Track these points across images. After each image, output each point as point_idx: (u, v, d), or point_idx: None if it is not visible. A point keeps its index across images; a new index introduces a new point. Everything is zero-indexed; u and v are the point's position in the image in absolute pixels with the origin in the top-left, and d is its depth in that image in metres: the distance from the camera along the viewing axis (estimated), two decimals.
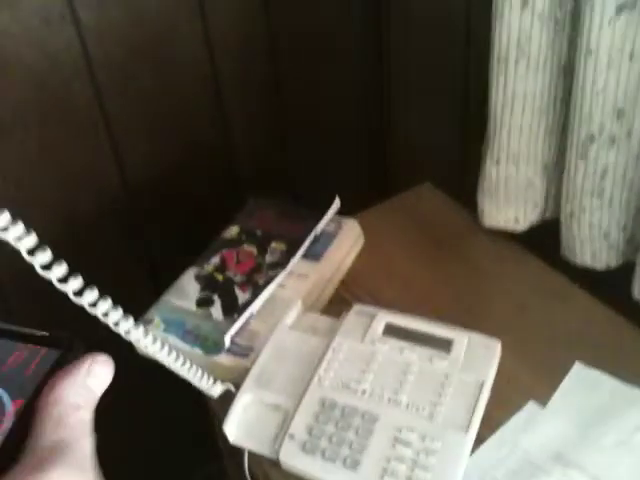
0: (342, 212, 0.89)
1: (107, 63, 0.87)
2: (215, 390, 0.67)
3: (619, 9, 0.63)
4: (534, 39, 0.71)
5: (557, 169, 0.79)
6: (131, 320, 0.53)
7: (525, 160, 0.79)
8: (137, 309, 0.78)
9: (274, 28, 0.98)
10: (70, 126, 0.89)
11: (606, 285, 0.79)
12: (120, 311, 0.52)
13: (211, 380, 0.65)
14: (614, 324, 0.75)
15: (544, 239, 0.84)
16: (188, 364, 0.62)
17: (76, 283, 0.47)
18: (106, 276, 0.98)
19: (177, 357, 0.59)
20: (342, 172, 1.13)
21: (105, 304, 0.50)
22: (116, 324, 0.52)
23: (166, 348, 0.58)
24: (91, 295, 0.49)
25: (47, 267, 0.44)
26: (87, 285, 0.48)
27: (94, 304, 0.49)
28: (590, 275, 0.80)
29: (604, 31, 0.64)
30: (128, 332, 0.53)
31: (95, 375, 0.33)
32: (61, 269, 0.45)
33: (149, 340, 0.55)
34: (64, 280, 0.45)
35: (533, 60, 0.72)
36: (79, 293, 0.48)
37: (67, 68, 0.85)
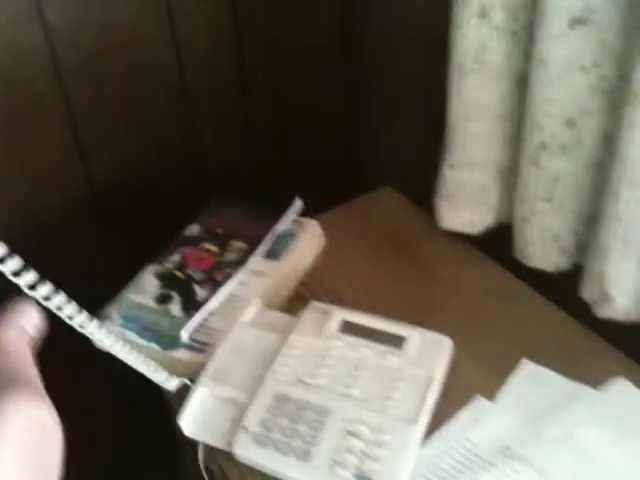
0: (311, 215, 0.91)
1: (74, 64, 0.88)
2: (171, 384, 0.68)
3: (572, 23, 0.65)
4: (491, 50, 0.73)
5: (512, 175, 0.82)
6: (85, 314, 0.54)
7: (480, 165, 0.81)
8: (101, 306, 0.79)
9: (242, 29, 0.99)
10: (36, 126, 0.89)
11: (557, 286, 0.82)
12: (73, 305, 0.53)
13: (165, 374, 0.66)
14: (563, 324, 0.78)
15: (500, 241, 0.87)
16: (142, 357, 0.63)
17: (29, 277, 0.48)
18: (71, 274, 0.99)
19: (130, 350, 0.61)
20: (311, 177, 1.15)
21: (59, 297, 0.51)
22: (70, 318, 0.53)
23: (120, 342, 0.59)
24: (44, 289, 0.50)
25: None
26: (41, 279, 0.49)
27: (47, 298, 0.50)
28: (542, 277, 0.83)
29: (557, 43, 0.67)
30: (82, 326, 0.54)
31: (27, 317, 0.40)
32: (14, 263, 0.46)
33: (103, 334, 0.56)
34: (17, 274, 0.46)
35: (490, 70, 0.74)
36: (33, 287, 0.49)
37: (33, 68, 0.85)
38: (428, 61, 0.95)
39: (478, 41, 0.73)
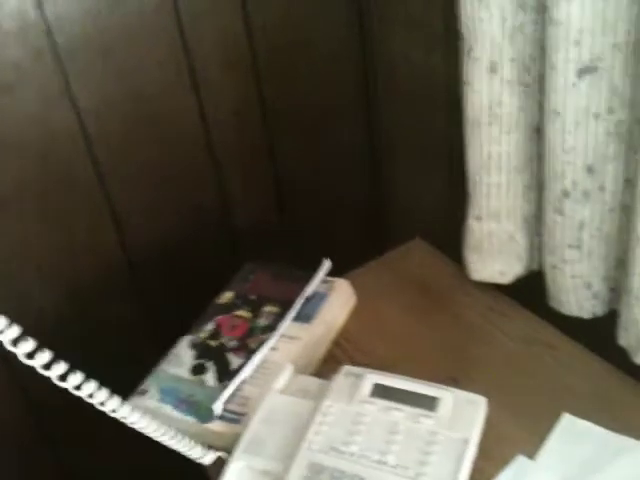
0: (342, 272, 0.92)
1: (105, 138, 0.91)
2: (207, 459, 0.69)
3: (581, 73, 0.65)
4: (504, 103, 0.74)
5: (538, 222, 0.81)
6: (116, 399, 0.55)
7: (505, 216, 0.81)
8: (140, 376, 0.80)
9: (267, 96, 1.02)
10: (69, 199, 0.92)
11: (595, 333, 0.80)
12: (105, 392, 0.54)
13: (201, 450, 0.67)
14: (603, 373, 0.76)
15: (533, 289, 0.86)
16: (177, 435, 0.64)
17: (60, 369, 0.50)
18: (107, 342, 1.01)
19: (166, 430, 0.62)
20: (340, 233, 1.16)
21: (89, 386, 0.53)
22: (102, 404, 0.55)
23: (154, 423, 0.60)
24: (75, 379, 0.51)
25: (30, 355, 0.47)
26: (71, 370, 0.51)
27: (78, 387, 0.51)
28: (578, 324, 0.81)
29: (568, 93, 0.67)
30: (114, 411, 0.56)
31: None
32: (44, 356, 0.48)
33: (135, 417, 0.57)
34: (48, 367, 0.48)
35: (505, 123, 0.75)
36: (64, 377, 0.51)
37: (65, 145, 0.89)
38: (449, 113, 0.96)
39: (490, 96, 0.73)
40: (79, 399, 0.53)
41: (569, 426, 0.71)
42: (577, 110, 0.67)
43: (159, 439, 0.62)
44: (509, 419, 0.72)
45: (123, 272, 1.01)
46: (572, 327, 0.81)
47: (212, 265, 1.05)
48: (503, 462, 0.68)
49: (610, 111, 0.67)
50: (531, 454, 0.69)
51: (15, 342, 0.46)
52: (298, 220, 1.13)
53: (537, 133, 0.75)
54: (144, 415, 0.59)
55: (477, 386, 0.73)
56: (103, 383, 0.79)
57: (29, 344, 0.46)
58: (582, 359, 0.78)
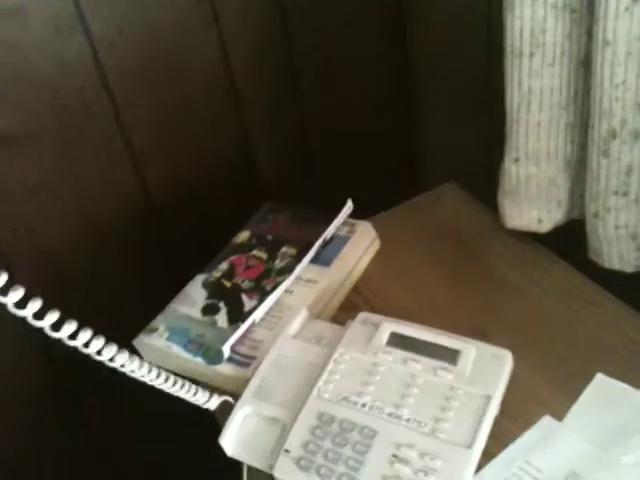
0: (367, 215, 0.87)
1: (121, 72, 0.86)
2: (212, 404, 0.65)
3: None
4: (549, 31, 0.66)
5: (581, 166, 0.74)
6: (114, 347, 0.52)
7: (546, 158, 0.74)
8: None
9: (291, 31, 0.96)
10: (86, 135, 0.88)
11: (636, 289, 0.74)
12: (102, 340, 0.51)
13: (206, 395, 0.64)
14: None
15: (573, 241, 0.79)
16: (179, 382, 0.60)
17: (53, 316, 0.47)
18: (130, 284, 0.98)
19: (166, 379, 0.59)
20: (370, 178, 1.10)
21: (85, 334, 0.50)
22: (99, 352, 0.51)
23: (154, 371, 0.57)
24: (69, 327, 0.48)
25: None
26: (65, 317, 0.48)
27: (73, 336, 0.48)
28: (620, 279, 0.75)
29: (621, 20, 0.59)
30: (112, 359, 0.53)
31: None
32: (35, 305, 0.45)
33: (135, 365, 0.54)
34: (39, 315, 0.45)
35: (549, 53, 0.67)
36: (57, 327, 0.47)
37: (80, 77, 0.84)
38: (488, 51, 0.89)
39: (534, 22, 0.66)
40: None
41: (602, 387, 0.65)
42: (630, 39, 0.60)
43: (161, 387, 0.59)
44: (539, 377, 0.67)
45: (142, 212, 0.97)
46: (613, 282, 0.75)
47: (234, 208, 1.00)
48: (529, 422, 0.63)
49: None
50: (560, 415, 0.64)
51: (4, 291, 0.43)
52: (325, 163, 1.07)
53: (584, 66, 0.68)
54: (142, 364, 0.56)
55: (506, 341, 0.67)
56: (119, 328, 0.77)
57: (19, 293, 0.43)
58: (622, 317, 0.72)
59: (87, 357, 0.51)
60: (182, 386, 0.61)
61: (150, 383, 0.58)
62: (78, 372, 0.88)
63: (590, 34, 0.65)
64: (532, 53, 0.68)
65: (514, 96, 0.71)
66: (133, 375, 0.56)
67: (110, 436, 1.08)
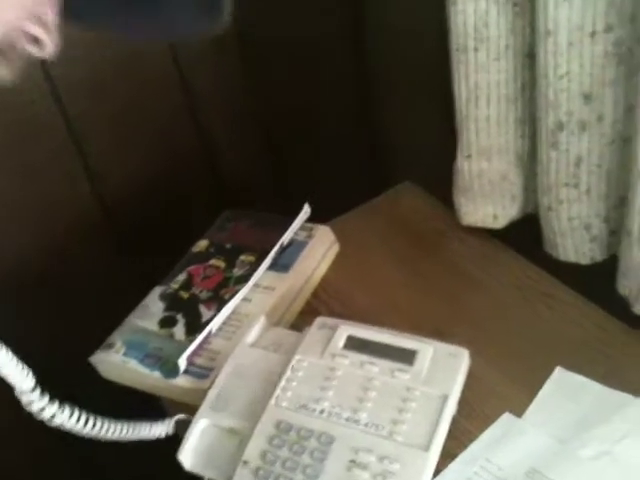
0: (334, 216, 0.86)
1: (70, 81, 0.85)
2: (166, 429, 0.65)
3: None
4: (492, 25, 0.66)
5: (533, 160, 0.74)
6: (55, 406, 0.52)
7: (497, 153, 0.74)
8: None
9: (245, 26, 0.94)
10: (38, 147, 0.86)
11: (594, 280, 0.74)
12: (45, 400, 0.51)
13: (158, 425, 0.64)
14: (601, 324, 0.70)
15: (529, 235, 0.79)
16: (128, 426, 0.60)
17: None
18: (85, 296, 0.96)
19: (115, 427, 0.59)
20: (331, 178, 1.09)
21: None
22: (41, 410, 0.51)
23: (99, 423, 0.58)
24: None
25: None
26: None
27: None
28: (576, 272, 0.75)
29: (560, 9, 0.59)
30: (52, 419, 0.53)
31: None
32: None
33: (80, 426, 0.55)
34: None
35: (493, 48, 0.67)
36: None
37: (30, 90, 0.82)
38: (441, 48, 0.89)
39: (477, 16, 0.66)
40: None
41: (562, 381, 0.65)
42: (570, 28, 0.60)
43: (111, 438, 0.59)
44: (498, 374, 0.67)
45: (99, 222, 0.95)
46: (570, 275, 0.75)
47: (195, 213, 0.99)
48: (489, 420, 0.63)
49: (608, 29, 0.59)
50: (520, 411, 0.63)
51: None
52: (285, 164, 1.06)
53: (529, 59, 0.68)
54: (88, 421, 0.56)
55: (464, 339, 0.67)
56: (83, 337, 0.76)
57: None
58: (579, 309, 0.72)
59: None
60: (133, 428, 0.61)
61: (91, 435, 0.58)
62: None
63: (532, 26, 0.65)
64: (477, 48, 0.67)
65: (462, 92, 0.71)
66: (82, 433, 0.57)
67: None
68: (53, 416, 0.54)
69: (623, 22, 0.58)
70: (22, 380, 0.51)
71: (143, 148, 0.94)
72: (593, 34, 0.59)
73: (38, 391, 0.53)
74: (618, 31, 0.59)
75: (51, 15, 0.34)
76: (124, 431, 0.62)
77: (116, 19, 0.41)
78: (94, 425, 0.58)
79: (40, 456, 1.00)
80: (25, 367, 0.52)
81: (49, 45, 0.36)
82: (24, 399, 0.53)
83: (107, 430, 0.60)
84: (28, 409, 0.54)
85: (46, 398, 0.54)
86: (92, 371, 0.77)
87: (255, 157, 1.04)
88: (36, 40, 0.35)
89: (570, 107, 0.64)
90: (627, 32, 0.58)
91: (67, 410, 0.55)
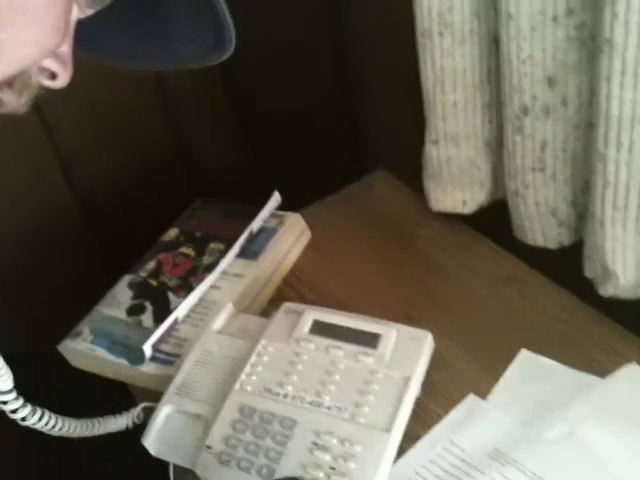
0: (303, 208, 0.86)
1: None
2: (132, 419, 0.65)
3: None
4: (456, 9, 0.66)
5: (501, 146, 0.74)
6: (28, 408, 0.53)
7: (464, 139, 0.74)
8: None
9: None
10: (11, 149, 0.86)
11: (563, 265, 0.74)
12: (19, 402, 0.52)
13: (120, 418, 0.64)
14: (569, 307, 0.70)
15: (499, 221, 0.79)
16: (93, 423, 0.61)
17: None
18: (63, 291, 0.96)
19: (79, 424, 0.59)
20: (307, 168, 1.09)
21: None
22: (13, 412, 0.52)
23: (66, 421, 0.59)
24: None
25: None
26: None
27: None
28: (545, 257, 0.75)
29: None
30: (24, 419, 0.55)
31: None
32: None
33: (43, 422, 0.55)
34: None
35: (458, 32, 0.67)
36: None
37: None
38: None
39: (441, 1, 0.65)
40: None
41: (527, 363, 0.65)
42: (532, 12, 0.59)
43: (79, 435, 0.60)
44: (464, 357, 0.67)
45: (74, 215, 0.95)
46: (539, 260, 0.75)
47: (169, 205, 0.99)
48: (454, 402, 0.63)
49: (569, 13, 0.59)
50: (485, 393, 0.63)
51: None
52: (259, 154, 1.06)
53: (495, 44, 0.68)
54: (51, 419, 0.57)
55: (433, 323, 0.68)
56: (62, 332, 0.75)
57: None
58: (548, 293, 0.72)
59: None
60: (98, 424, 0.62)
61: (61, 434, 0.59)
62: None
63: (496, 9, 0.65)
64: (441, 33, 0.67)
65: (428, 77, 0.71)
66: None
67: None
68: (24, 418, 0.56)
69: (585, 6, 0.58)
70: (2, 381, 0.52)
71: (118, 141, 0.94)
72: (555, 18, 0.59)
73: (14, 393, 0.55)
74: (580, 15, 0.59)
75: (66, 49, 0.35)
76: (92, 428, 0.63)
77: (124, 50, 0.42)
78: (62, 427, 0.60)
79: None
80: (6, 368, 0.52)
81: (65, 78, 0.36)
82: None
83: (75, 429, 0.61)
84: (0, 408, 0.55)
85: (20, 400, 0.55)
86: (62, 359, 0.76)
87: (229, 148, 1.04)
88: (52, 74, 0.36)
89: (534, 91, 0.64)
90: (588, 16, 0.58)
91: (38, 412, 0.57)
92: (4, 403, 0.55)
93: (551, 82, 0.63)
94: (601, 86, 0.56)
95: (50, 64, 0.35)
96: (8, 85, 0.34)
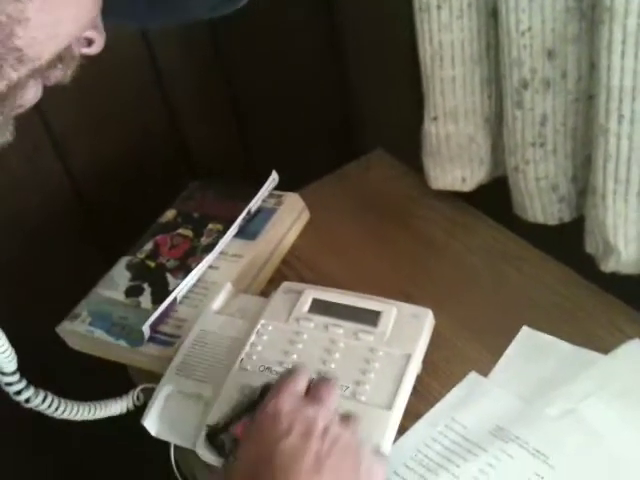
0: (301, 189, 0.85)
1: None
2: (127, 403, 0.65)
3: None
4: None
5: (501, 122, 0.73)
6: (31, 390, 0.53)
7: (463, 115, 0.73)
8: None
9: None
10: None
11: (564, 242, 0.73)
12: (22, 384, 0.51)
13: (120, 401, 0.64)
14: (570, 284, 0.70)
15: (499, 198, 0.79)
16: (92, 406, 0.61)
17: None
18: (58, 273, 0.95)
19: (78, 408, 0.59)
20: (304, 148, 1.08)
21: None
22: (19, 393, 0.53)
23: (67, 405, 0.59)
24: None
25: None
26: None
27: None
28: (546, 234, 0.74)
29: None
30: (26, 402, 0.56)
31: None
32: None
33: (45, 405, 0.56)
34: None
35: (456, 5, 0.66)
36: None
37: None
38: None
39: None
40: None
41: (528, 340, 0.65)
42: None
43: (77, 418, 0.60)
44: (465, 335, 0.67)
45: (68, 197, 0.94)
46: (540, 237, 0.75)
47: (164, 187, 0.98)
48: (456, 380, 0.63)
49: None
50: (486, 371, 0.63)
51: None
52: (255, 134, 1.05)
53: (493, 17, 0.67)
54: (53, 402, 0.57)
55: (432, 301, 0.67)
56: (60, 315, 0.75)
57: None
58: (548, 270, 0.72)
59: None
60: (97, 408, 0.61)
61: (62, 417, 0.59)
62: None
63: None
64: (439, 6, 0.66)
65: (426, 52, 0.70)
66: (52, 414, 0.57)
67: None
68: (28, 400, 0.56)
69: None
70: (7, 362, 0.52)
71: (112, 124, 0.93)
72: None
73: (18, 374, 0.55)
74: None
75: (99, 16, 0.37)
76: (94, 411, 0.63)
77: (137, 14, 0.44)
78: (65, 409, 0.60)
79: None
80: (11, 350, 0.52)
81: (101, 43, 0.39)
82: (3, 380, 0.54)
83: (77, 412, 0.61)
84: (4, 390, 0.56)
85: (24, 382, 0.56)
86: (61, 342, 0.76)
87: (224, 128, 1.03)
88: (90, 42, 0.39)
89: (534, 64, 0.63)
90: None
91: (41, 394, 0.57)
92: (9, 385, 0.55)
93: (550, 54, 0.62)
94: (601, 57, 0.55)
95: (90, 33, 0.38)
96: (59, 60, 0.36)
